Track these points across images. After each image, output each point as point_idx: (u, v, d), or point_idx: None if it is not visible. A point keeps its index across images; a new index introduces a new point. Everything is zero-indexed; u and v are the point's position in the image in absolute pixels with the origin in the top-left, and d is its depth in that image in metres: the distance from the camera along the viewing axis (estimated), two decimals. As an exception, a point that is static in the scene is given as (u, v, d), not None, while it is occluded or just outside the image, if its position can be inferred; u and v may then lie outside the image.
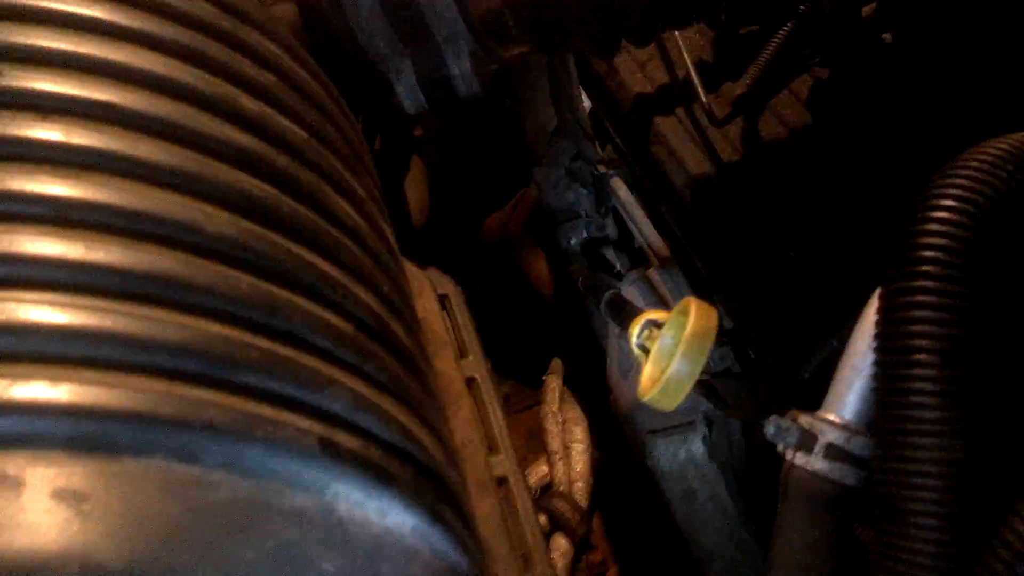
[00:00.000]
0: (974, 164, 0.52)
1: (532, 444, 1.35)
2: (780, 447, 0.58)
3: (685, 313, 0.56)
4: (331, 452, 0.39)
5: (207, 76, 0.54)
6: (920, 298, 0.49)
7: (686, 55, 0.98)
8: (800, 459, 0.57)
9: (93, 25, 0.53)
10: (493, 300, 1.46)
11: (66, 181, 0.45)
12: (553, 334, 1.45)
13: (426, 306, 0.71)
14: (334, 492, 0.39)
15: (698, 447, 0.95)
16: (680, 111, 1.02)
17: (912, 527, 0.49)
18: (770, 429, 0.58)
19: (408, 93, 0.79)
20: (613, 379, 1.05)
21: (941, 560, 0.48)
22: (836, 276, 0.83)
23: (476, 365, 0.70)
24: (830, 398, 0.57)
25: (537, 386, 1.38)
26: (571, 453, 1.23)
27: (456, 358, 0.68)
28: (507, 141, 1.41)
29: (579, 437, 1.24)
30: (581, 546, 1.18)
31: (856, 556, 0.54)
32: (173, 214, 0.46)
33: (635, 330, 0.61)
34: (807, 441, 0.57)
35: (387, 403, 0.45)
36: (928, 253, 0.50)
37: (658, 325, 0.59)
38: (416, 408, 0.48)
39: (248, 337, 0.42)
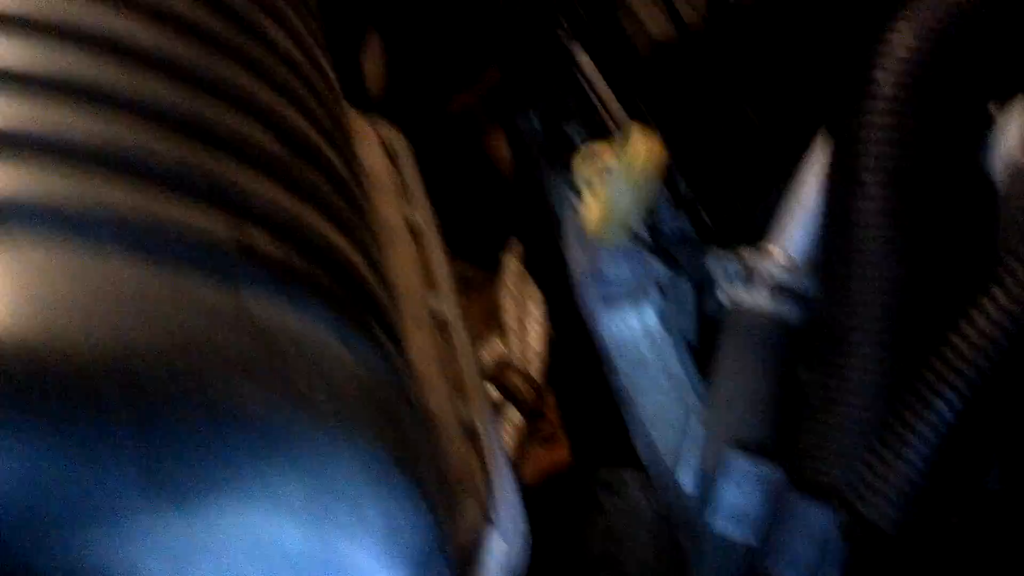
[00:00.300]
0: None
1: (489, 323, 1.34)
2: (724, 286, 0.57)
3: (629, 142, 0.54)
4: (247, 252, 0.38)
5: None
6: (871, 123, 0.48)
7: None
8: (742, 296, 0.56)
9: None
10: (454, 179, 1.43)
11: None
12: (512, 216, 1.43)
13: (371, 154, 0.69)
14: (249, 292, 0.37)
15: (651, 316, 0.94)
16: (644, -25, 0.99)
17: (854, 353, 0.48)
18: (713, 265, 0.57)
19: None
20: (569, 250, 1.04)
21: (883, 386, 0.48)
22: (798, 141, 0.81)
23: (421, 214, 0.68)
24: (776, 234, 0.56)
25: (496, 268, 1.37)
26: (527, 329, 1.22)
27: (399, 205, 0.66)
28: (471, 18, 1.37)
29: (535, 314, 1.24)
30: (533, 419, 1.18)
31: (795, 397, 0.54)
32: (85, 17, 0.43)
33: (580, 164, 0.59)
34: (750, 277, 0.56)
35: (312, 215, 0.43)
36: (882, 83, 0.48)
37: (603, 158, 0.58)
38: (345, 227, 0.46)
39: (162, 134, 0.40)
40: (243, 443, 0.35)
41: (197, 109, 0.43)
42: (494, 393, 1.17)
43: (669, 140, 0.92)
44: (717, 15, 0.91)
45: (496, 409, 1.15)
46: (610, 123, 1.05)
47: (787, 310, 0.55)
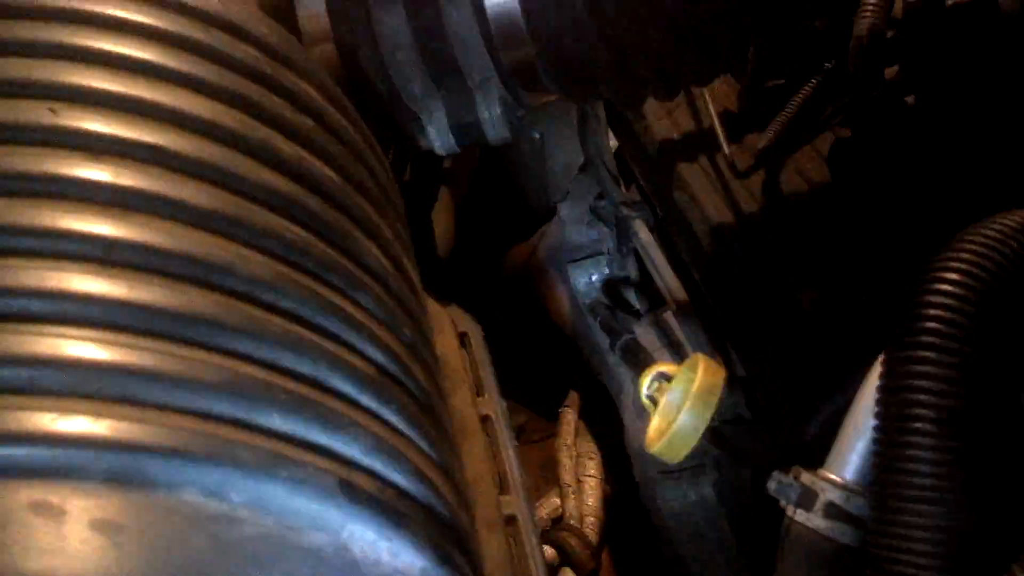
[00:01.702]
0: (979, 239, 0.53)
1: (546, 476, 1.36)
2: (782, 502, 0.60)
3: (693, 369, 0.58)
4: (349, 493, 0.41)
5: (248, 120, 0.57)
6: (920, 369, 0.51)
7: (711, 105, 1.00)
8: (800, 515, 0.58)
9: (143, 67, 0.56)
10: (513, 330, 1.48)
11: (112, 221, 0.48)
12: (571, 367, 1.46)
13: (445, 343, 0.73)
14: (349, 532, 0.41)
15: (708, 490, 0.96)
16: (703, 159, 1.05)
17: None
18: (772, 484, 0.60)
19: (439, 135, 0.82)
20: (627, 418, 1.07)
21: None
22: (847, 332, 0.84)
23: (491, 403, 0.71)
24: (832, 457, 0.59)
25: (553, 417, 1.40)
26: (583, 487, 1.24)
27: (472, 396, 0.70)
28: (534, 176, 1.43)
29: (592, 471, 1.26)
30: (589, 581, 1.19)
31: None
32: (211, 256, 0.48)
33: (645, 381, 0.63)
34: (807, 498, 0.58)
35: (403, 446, 0.47)
36: (930, 325, 0.52)
37: (667, 378, 0.61)
38: (431, 451, 0.50)
39: (276, 379, 0.44)
40: None
41: (305, 348, 0.47)
42: (549, 552, 1.19)
43: (724, 320, 0.96)
44: (773, 204, 0.96)
45: (552, 571, 1.16)
46: (668, 296, 1.09)
47: (842, 532, 0.57)
